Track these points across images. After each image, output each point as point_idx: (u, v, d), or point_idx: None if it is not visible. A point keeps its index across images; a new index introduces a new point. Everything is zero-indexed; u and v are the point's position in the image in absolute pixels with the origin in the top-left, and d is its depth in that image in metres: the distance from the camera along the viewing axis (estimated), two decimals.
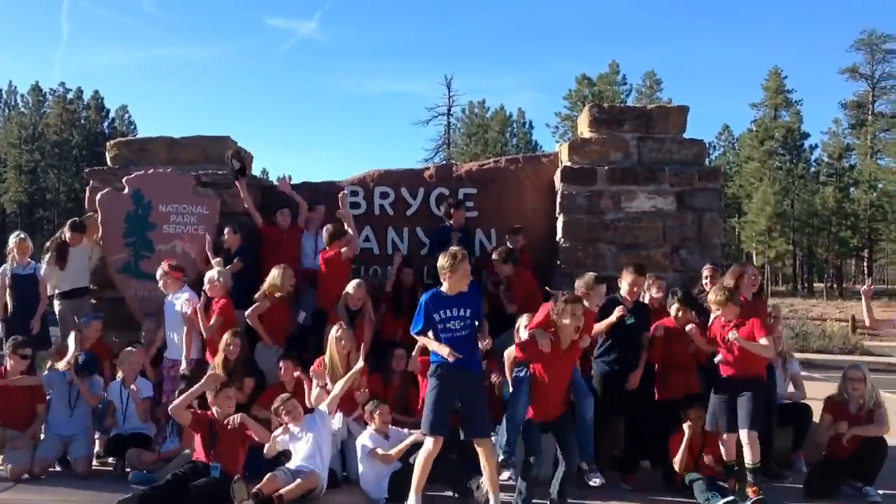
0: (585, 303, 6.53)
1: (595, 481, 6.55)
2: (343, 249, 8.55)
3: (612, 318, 7.11)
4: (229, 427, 6.86)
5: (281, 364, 7.87)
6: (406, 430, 7.23)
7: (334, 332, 7.67)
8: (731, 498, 6.38)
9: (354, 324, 8.05)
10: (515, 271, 8.52)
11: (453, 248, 6.39)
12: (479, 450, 6.13)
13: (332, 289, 8.44)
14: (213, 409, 6.98)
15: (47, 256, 9.21)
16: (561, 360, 6.38)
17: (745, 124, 71.42)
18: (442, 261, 6.23)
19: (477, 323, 6.30)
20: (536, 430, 6.41)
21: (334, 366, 7.59)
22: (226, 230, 9.09)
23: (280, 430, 7.13)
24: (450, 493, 6.71)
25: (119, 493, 6.43)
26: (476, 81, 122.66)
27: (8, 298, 8.97)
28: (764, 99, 62.12)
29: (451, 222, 9.16)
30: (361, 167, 9.64)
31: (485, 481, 6.27)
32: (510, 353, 6.89)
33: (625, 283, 7.36)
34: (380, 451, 6.93)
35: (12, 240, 9.24)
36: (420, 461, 6.16)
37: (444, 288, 6.24)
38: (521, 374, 6.52)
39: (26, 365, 8.04)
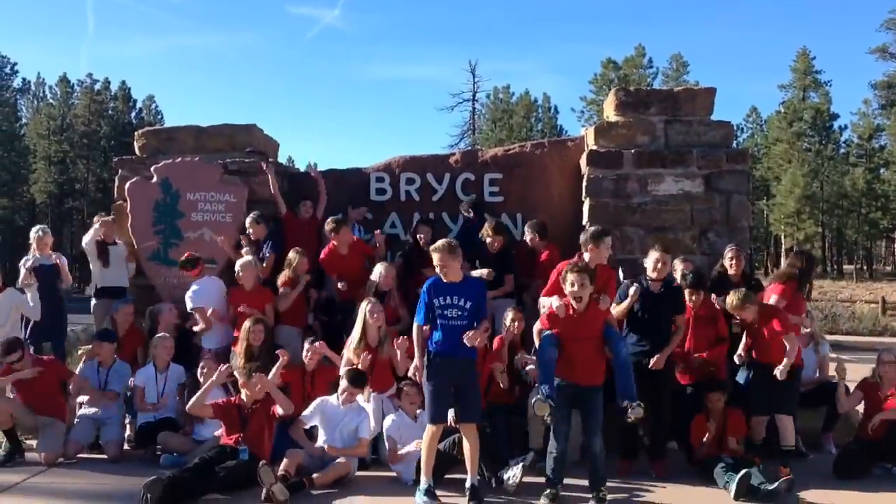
0: (600, 260, 6.72)
1: (633, 414, 6.29)
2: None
3: (628, 301, 7.09)
4: (255, 407, 6.99)
5: (307, 346, 7.90)
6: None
7: (365, 305, 7.66)
8: (744, 471, 6.34)
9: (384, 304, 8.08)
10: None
11: (449, 240, 6.44)
12: (463, 434, 6.27)
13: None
14: (243, 394, 7.07)
15: (91, 256, 9.40)
16: (581, 323, 6.35)
17: (773, 106, 70.32)
18: (433, 252, 6.33)
19: (477, 314, 6.29)
20: (565, 397, 6.37)
21: (366, 338, 7.60)
22: (248, 221, 9.11)
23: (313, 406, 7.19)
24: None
25: (149, 476, 6.51)
26: (500, 66, 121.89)
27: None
28: (792, 80, 61.29)
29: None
30: (386, 154, 9.70)
31: (516, 472, 6.46)
32: (536, 326, 6.89)
33: (650, 261, 7.29)
34: (400, 452, 7.03)
35: (33, 234, 9.40)
36: (424, 446, 6.28)
37: (443, 275, 6.29)
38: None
39: (32, 359, 8.05)
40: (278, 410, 7.02)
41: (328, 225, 8.54)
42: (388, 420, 7.20)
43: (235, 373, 7.33)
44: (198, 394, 7.15)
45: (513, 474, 6.50)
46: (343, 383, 7.15)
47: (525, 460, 6.89)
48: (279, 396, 7.02)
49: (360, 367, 7.35)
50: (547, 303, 6.67)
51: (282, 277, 8.52)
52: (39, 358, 8.24)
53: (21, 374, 7.75)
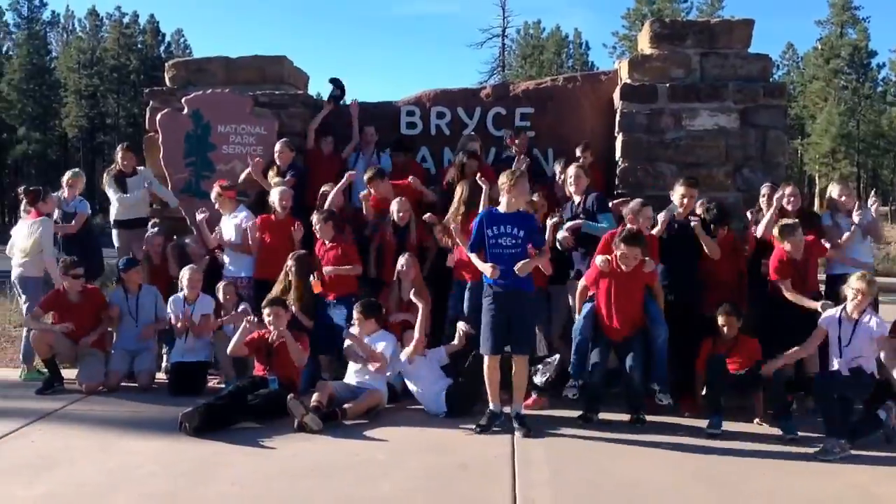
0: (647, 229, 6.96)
1: (663, 400, 6.75)
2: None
3: (659, 227, 7.25)
4: (281, 339, 7.15)
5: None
6: (442, 349, 7.39)
7: (402, 261, 7.81)
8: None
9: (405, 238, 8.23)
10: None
11: (514, 167, 6.48)
12: (513, 363, 6.49)
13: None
14: (269, 326, 7.18)
15: (109, 186, 9.44)
16: (625, 280, 6.60)
17: (810, 42, 68.77)
18: (502, 177, 6.45)
19: (531, 245, 6.41)
20: (602, 345, 6.69)
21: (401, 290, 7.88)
22: (279, 146, 9.11)
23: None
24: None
25: (184, 406, 6.66)
26: (531, 1, 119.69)
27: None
28: (829, 16, 59.61)
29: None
30: (417, 90, 9.62)
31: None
32: (581, 282, 6.99)
33: (676, 195, 7.32)
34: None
35: (64, 177, 9.44)
36: (486, 378, 6.56)
37: (501, 206, 6.39)
38: (588, 305, 6.86)
39: (82, 284, 8.29)
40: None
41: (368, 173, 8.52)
42: (403, 354, 7.35)
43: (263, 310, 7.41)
44: (233, 340, 7.32)
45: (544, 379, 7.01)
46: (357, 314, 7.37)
47: (553, 362, 7.16)
48: (291, 346, 7.16)
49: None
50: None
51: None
52: (85, 287, 8.41)
53: (59, 328, 8.02)
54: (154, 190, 9.49)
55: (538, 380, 7.06)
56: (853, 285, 6.38)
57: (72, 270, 8.17)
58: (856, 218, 7.62)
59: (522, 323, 6.49)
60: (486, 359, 6.54)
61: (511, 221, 6.37)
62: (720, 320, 6.97)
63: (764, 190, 8.00)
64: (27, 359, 8.48)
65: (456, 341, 7.32)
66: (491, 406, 6.58)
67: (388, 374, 7.33)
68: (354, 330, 7.30)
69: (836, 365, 6.43)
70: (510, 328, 6.43)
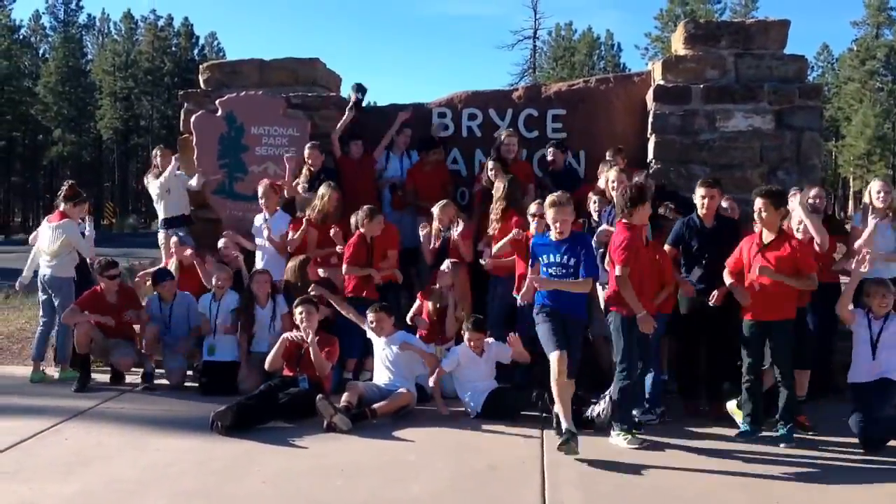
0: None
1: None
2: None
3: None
4: (308, 345, 7.18)
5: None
6: (508, 349, 7.17)
7: (445, 266, 7.87)
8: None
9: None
10: None
11: (561, 193, 6.31)
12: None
13: None
14: (301, 327, 7.20)
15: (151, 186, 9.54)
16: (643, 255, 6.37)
17: (846, 44, 68.02)
18: (546, 207, 6.28)
19: (584, 271, 6.09)
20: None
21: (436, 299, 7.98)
22: (308, 148, 9.11)
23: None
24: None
25: (215, 405, 6.70)
26: (563, 2, 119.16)
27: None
28: (865, 17, 58.85)
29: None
30: (446, 93, 9.63)
31: (603, 407, 6.52)
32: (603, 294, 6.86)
33: (697, 197, 7.09)
34: (445, 368, 7.24)
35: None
36: (554, 389, 5.97)
37: (551, 234, 6.24)
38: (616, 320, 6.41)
39: (118, 284, 8.41)
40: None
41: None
42: (458, 348, 7.33)
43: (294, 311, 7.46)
44: (271, 354, 7.36)
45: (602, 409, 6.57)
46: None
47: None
48: (316, 356, 7.19)
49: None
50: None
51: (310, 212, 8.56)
52: (121, 286, 8.54)
53: (100, 318, 8.15)
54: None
55: (594, 413, 6.62)
56: (871, 291, 6.46)
57: (107, 272, 8.27)
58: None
59: (573, 343, 6.13)
60: (554, 362, 5.95)
61: (560, 251, 6.13)
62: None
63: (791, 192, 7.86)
64: (62, 358, 8.55)
65: (516, 354, 7.15)
66: (564, 424, 5.87)
67: (417, 374, 7.37)
68: (372, 333, 7.36)
69: (862, 374, 6.43)
70: (566, 333, 6.08)
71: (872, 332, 6.40)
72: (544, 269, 6.17)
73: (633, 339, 6.22)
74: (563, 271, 6.10)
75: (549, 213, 6.21)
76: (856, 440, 6.15)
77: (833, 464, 5.88)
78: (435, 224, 8.27)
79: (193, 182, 9.51)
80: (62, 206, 8.62)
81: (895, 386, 6.28)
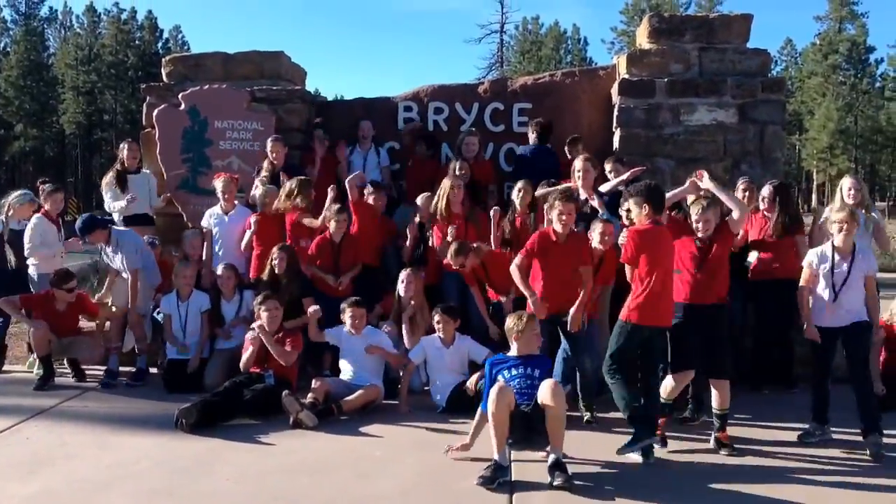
0: None
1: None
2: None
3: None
4: (277, 336, 7.18)
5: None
6: (485, 350, 7.13)
7: (404, 278, 7.83)
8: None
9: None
10: None
11: (519, 312, 6.04)
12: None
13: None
14: (263, 322, 7.14)
15: (108, 187, 9.33)
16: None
17: (809, 38, 68.84)
18: (509, 322, 5.92)
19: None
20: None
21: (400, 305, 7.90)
22: (270, 141, 9.02)
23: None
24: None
25: (179, 402, 6.64)
26: None
27: None
28: (828, 11, 59.64)
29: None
30: (414, 86, 9.62)
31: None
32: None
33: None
34: (414, 360, 7.25)
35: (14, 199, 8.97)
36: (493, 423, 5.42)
37: (511, 350, 5.88)
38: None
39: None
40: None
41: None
42: (428, 339, 7.28)
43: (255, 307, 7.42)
44: (244, 357, 7.28)
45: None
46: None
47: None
48: (274, 350, 7.15)
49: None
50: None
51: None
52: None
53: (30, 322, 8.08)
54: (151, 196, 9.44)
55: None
56: (834, 218, 6.04)
57: (65, 284, 8.07)
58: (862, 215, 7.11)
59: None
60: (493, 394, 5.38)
61: (524, 365, 5.71)
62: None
63: (741, 185, 7.91)
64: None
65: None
66: (496, 456, 5.31)
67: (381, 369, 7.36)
68: (346, 327, 7.29)
69: (826, 318, 5.98)
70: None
71: (836, 275, 5.96)
72: (508, 383, 5.56)
73: (631, 345, 5.88)
74: (529, 382, 5.58)
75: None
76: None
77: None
78: (417, 218, 8.36)
79: (160, 202, 9.50)
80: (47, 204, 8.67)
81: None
